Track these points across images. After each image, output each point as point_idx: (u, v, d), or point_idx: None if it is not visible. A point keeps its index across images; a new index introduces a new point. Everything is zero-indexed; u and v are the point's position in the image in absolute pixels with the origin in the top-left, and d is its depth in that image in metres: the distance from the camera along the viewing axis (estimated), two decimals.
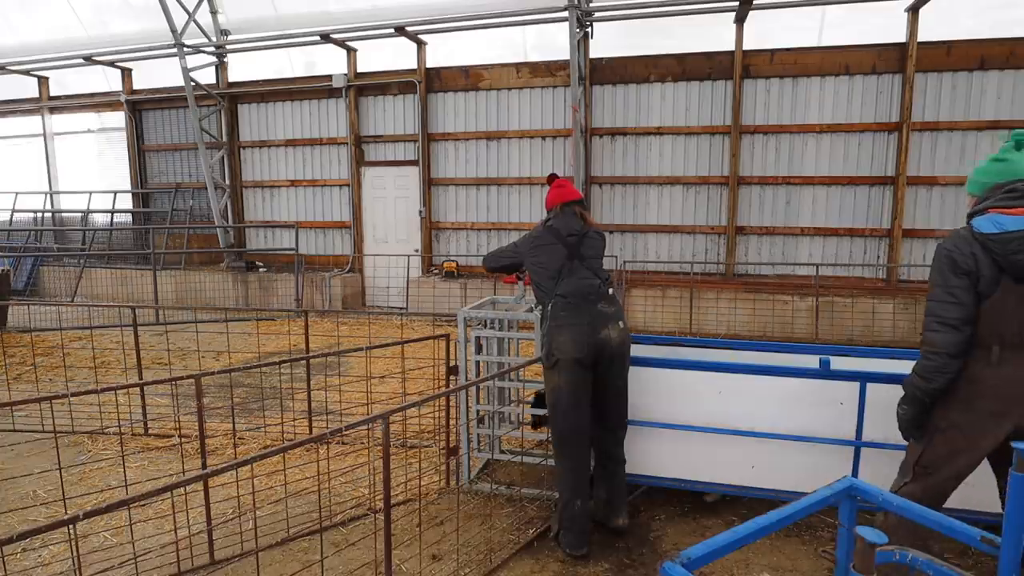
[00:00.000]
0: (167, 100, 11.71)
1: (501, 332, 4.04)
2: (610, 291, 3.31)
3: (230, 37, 10.76)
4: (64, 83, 12.79)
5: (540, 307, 3.40)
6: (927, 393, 2.44)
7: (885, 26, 8.34)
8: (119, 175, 12.44)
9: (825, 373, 3.23)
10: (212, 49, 10.71)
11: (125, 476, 3.49)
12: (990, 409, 2.35)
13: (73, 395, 2.94)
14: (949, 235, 2.43)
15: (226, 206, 11.39)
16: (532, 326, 3.81)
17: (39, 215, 13.11)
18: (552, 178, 3.60)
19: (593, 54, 9.34)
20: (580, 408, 3.17)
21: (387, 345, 4.29)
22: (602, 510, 3.38)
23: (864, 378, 3.19)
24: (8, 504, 3.73)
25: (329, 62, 10.71)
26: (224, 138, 11.34)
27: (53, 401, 3.10)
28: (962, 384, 2.39)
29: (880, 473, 3.19)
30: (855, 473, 3.24)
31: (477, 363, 3.94)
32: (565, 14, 8.45)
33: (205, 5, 10.17)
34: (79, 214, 12.81)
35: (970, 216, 2.45)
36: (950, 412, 2.43)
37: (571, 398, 3.14)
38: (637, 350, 3.98)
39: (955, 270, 2.35)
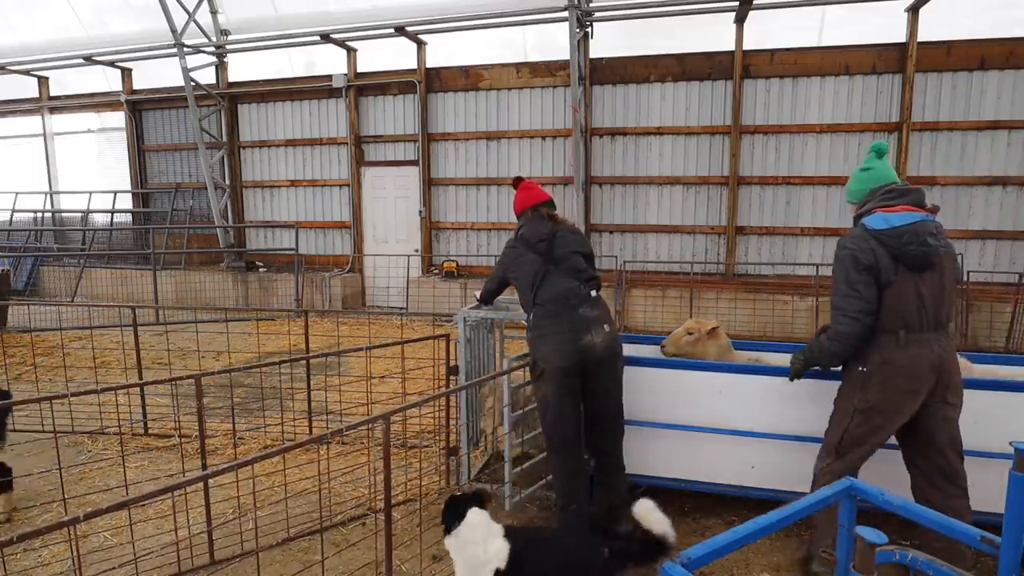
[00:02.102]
0: (167, 100, 11.71)
1: (501, 332, 4.04)
2: (592, 292, 3.18)
3: (230, 37, 10.76)
4: (64, 83, 12.80)
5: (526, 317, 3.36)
6: (821, 365, 2.87)
7: (885, 26, 8.34)
8: (119, 175, 12.45)
9: (825, 373, 3.22)
10: (212, 49, 10.71)
11: (125, 476, 3.49)
12: (904, 388, 2.62)
13: (73, 395, 2.95)
14: (847, 235, 2.72)
15: (226, 206, 11.39)
16: None
17: (39, 215, 13.11)
18: (518, 181, 3.57)
19: (593, 54, 9.34)
20: (567, 417, 3.12)
21: (387, 345, 4.29)
22: (607, 518, 3.31)
23: None
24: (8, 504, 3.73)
25: (329, 62, 10.71)
26: (224, 138, 11.34)
27: (53, 401, 3.11)
28: (877, 367, 2.65)
29: (880, 473, 3.18)
30: (854, 473, 3.24)
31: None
32: (565, 14, 8.45)
33: (205, 5, 10.17)
34: (79, 214, 12.81)
35: (857, 218, 2.76)
36: (868, 394, 2.68)
37: (558, 408, 3.09)
38: (638, 350, 3.98)
39: (857, 267, 2.62)
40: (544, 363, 3.09)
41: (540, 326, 3.13)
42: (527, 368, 3.32)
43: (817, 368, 2.94)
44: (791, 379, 3.02)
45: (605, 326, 3.12)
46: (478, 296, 3.84)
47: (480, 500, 2.44)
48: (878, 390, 2.64)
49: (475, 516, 2.35)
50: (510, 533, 2.35)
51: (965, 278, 7.84)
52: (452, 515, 2.38)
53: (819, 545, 2.85)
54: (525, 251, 3.29)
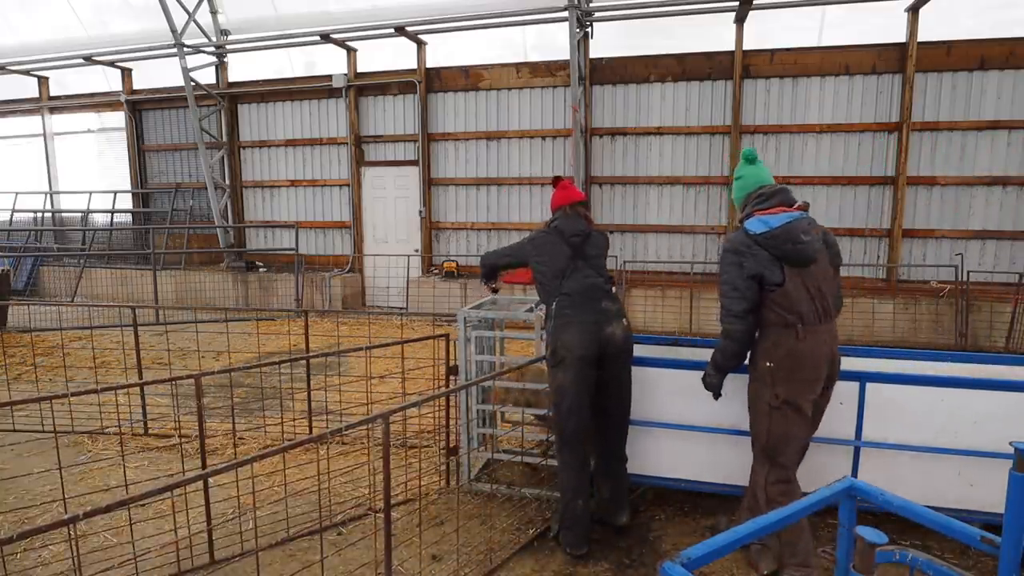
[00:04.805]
0: (167, 100, 11.71)
1: (501, 332, 4.04)
2: (612, 289, 3.35)
3: (230, 37, 10.76)
4: (64, 83, 12.79)
5: (544, 306, 3.43)
6: (727, 369, 3.00)
7: (885, 26, 8.34)
8: (119, 175, 12.44)
9: None
10: (212, 49, 10.70)
11: (125, 476, 3.49)
12: (808, 377, 2.79)
13: (73, 395, 2.95)
14: (730, 238, 2.88)
15: (226, 206, 11.39)
16: (532, 326, 3.81)
17: (39, 215, 13.11)
18: (557, 180, 3.62)
19: (593, 54, 9.34)
20: (584, 407, 3.18)
21: (387, 345, 4.29)
22: (605, 508, 3.38)
23: (864, 378, 3.19)
24: (8, 504, 3.73)
25: (329, 62, 10.71)
26: (224, 138, 11.33)
27: (53, 401, 3.11)
28: (782, 361, 2.79)
29: (880, 473, 3.19)
30: (855, 473, 3.24)
31: (477, 363, 3.94)
32: (565, 14, 8.44)
33: (205, 5, 10.16)
34: (79, 214, 12.81)
35: (742, 221, 2.92)
36: (778, 389, 2.81)
37: (576, 397, 3.15)
38: (637, 350, 3.97)
39: (742, 274, 2.79)
40: (565, 351, 3.15)
41: (564, 315, 3.21)
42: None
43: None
44: (716, 398, 3.11)
45: (623, 320, 3.28)
46: (482, 258, 3.85)
47: None
48: (785, 384, 2.79)
49: None
50: None
51: (965, 278, 7.85)
52: None
53: (791, 558, 2.86)
54: (558, 241, 3.36)
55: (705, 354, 4.04)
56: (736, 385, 3.37)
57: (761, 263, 2.75)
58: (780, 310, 2.77)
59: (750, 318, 2.86)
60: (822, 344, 2.77)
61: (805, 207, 2.82)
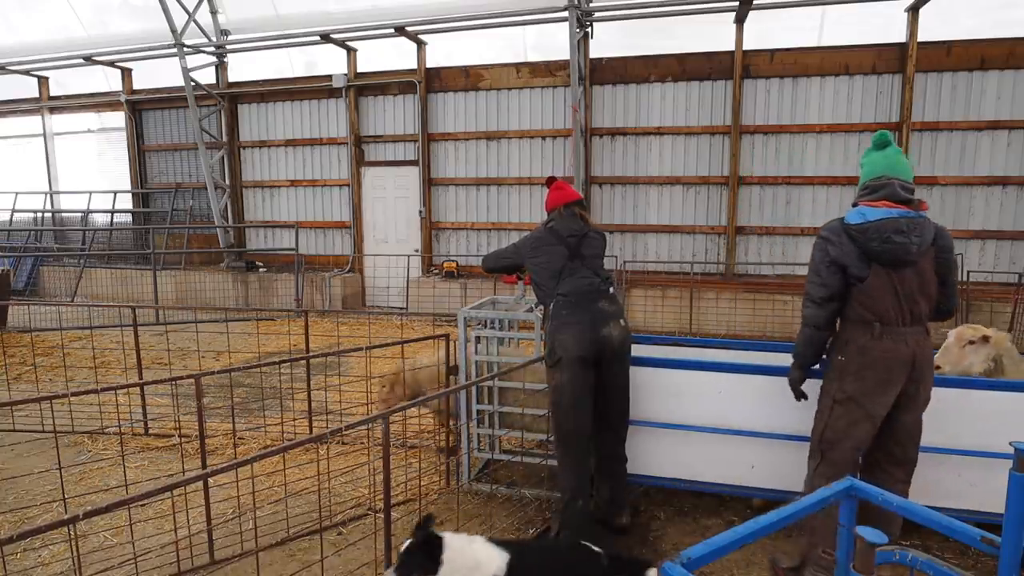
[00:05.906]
0: (167, 100, 11.71)
1: (501, 332, 4.04)
2: (611, 290, 3.33)
3: (230, 37, 10.76)
4: (64, 83, 12.80)
5: (541, 307, 3.42)
6: (807, 359, 2.85)
7: (885, 26, 8.35)
8: (119, 175, 12.45)
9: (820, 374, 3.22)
10: (212, 49, 10.71)
11: (125, 476, 3.49)
12: (878, 378, 2.65)
13: (73, 395, 2.95)
14: (826, 224, 2.76)
15: (226, 206, 11.39)
16: (532, 326, 3.81)
17: (39, 215, 13.11)
18: (551, 180, 3.62)
19: (593, 54, 9.34)
20: (582, 406, 3.18)
21: (387, 345, 4.29)
22: (604, 509, 3.38)
23: None
24: (8, 504, 3.73)
25: (329, 62, 10.72)
26: (224, 138, 11.34)
27: (53, 401, 3.11)
28: (853, 356, 2.69)
29: None
30: (852, 475, 3.24)
31: (477, 363, 3.94)
32: (565, 14, 8.45)
33: (205, 5, 10.17)
34: (79, 214, 12.81)
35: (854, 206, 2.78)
36: (845, 384, 2.72)
37: (573, 396, 3.16)
38: (637, 350, 3.97)
39: (825, 258, 2.70)
40: (562, 351, 3.16)
41: (560, 316, 3.22)
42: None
43: (815, 367, 2.93)
44: (798, 399, 2.95)
45: (621, 321, 3.26)
46: (483, 260, 3.83)
47: (429, 527, 2.22)
48: (854, 379, 2.69)
49: (451, 538, 2.18)
50: (501, 543, 2.23)
51: (965, 278, 7.84)
52: (424, 556, 2.12)
53: (818, 548, 2.85)
54: (554, 241, 3.36)
55: (705, 354, 4.06)
56: (735, 386, 3.38)
57: (847, 254, 2.64)
58: (860, 307, 2.66)
59: (828, 305, 2.71)
60: (901, 346, 2.63)
61: (920, 207, 2.65)
